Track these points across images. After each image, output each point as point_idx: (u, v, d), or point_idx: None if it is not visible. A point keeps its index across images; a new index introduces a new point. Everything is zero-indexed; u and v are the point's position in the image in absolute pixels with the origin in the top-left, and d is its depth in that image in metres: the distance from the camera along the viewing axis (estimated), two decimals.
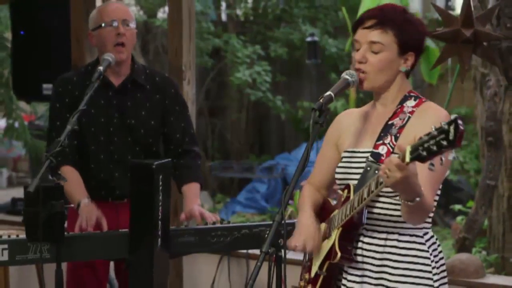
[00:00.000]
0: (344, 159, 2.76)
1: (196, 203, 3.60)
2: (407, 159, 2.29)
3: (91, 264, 3.72)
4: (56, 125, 3.67)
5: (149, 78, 3.75)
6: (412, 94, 2.73)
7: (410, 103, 2.69)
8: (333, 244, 2.65)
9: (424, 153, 2.23)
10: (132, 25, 3.69)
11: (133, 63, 3.74)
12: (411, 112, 2.67)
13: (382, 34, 2.62)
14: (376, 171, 2.61)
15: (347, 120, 2.82)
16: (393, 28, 2.62)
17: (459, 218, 7.10)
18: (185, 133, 3.78)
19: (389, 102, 2.71)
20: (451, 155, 2.21)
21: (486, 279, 4.26)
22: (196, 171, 3.75)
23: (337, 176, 2.77)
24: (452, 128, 2.17)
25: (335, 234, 2.66)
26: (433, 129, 2.22)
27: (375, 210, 2.64)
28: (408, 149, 2.30)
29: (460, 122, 2.18)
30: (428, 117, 2.62)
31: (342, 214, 2.65)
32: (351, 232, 2.66)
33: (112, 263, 3.92)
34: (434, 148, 2.20)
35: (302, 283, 2.83)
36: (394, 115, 2.69)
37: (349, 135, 2.78)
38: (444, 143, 2.18)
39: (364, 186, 2.54)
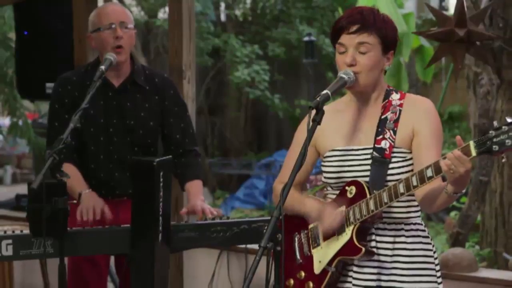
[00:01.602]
0: (333, 158, 2.79)
1: (200, 199, 3.63)
2: (474, 153, 2.37)
3: (92, 259, 3.74)
4: (54, 125, 3.69)
5: (149, 79, 3.76)
6: (391, 88, 2.83)
7: (395, 96, 2.78)
8: (351, 241, 2.68)
9: (496, 147, 2.31)
10: (130, 26, 3.68)
11: (133, 64, 3.74)
12: (400, 105, 2.75)
13: (367, 37, 2.70)
14: (383, 166, 2.67)
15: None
16: (375, 30, 2.71)
17: (452, 213, 7.18)
18: (184, 133, 3.79)
19: (373, 99, 2.78)
20: None
21: (479, 273, 4.28)
22: (197, 169, 3.78)
23: (329, 175, 2.79)
24: None
25: (350, 230, 2.69)
26: (499, 125, 2.31)
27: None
28: (473, 144, 2.37)
29: None
30: (419, 109, 2.73)
31: (361, 210, 2.67)
32: (368, 227, 2.71)
33: (112, 258, 3.95)
34: (509, 142, 2.29)
35: (293, 281, 2.84)
36: (385, 109, 2.76)
37: (330, 133, 2.81)
38: None
39: (398, 182, 2.58)
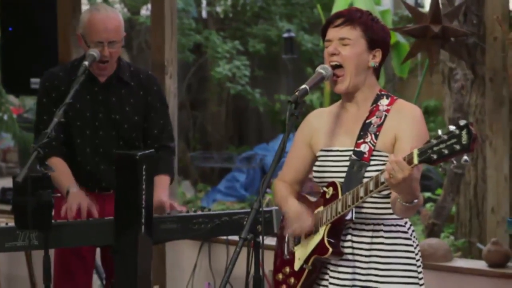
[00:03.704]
0: (320, 158, 2.83)
1: (165, 195, 3.65)
2: (415, 161, 2.37)
3: (78, 252, 3.79)
4: (43, 119, 3.72)
5: (134, 76, 3.81)
6: (383, 93, 2.82)
7: (384, 101, 2.78)
8: (322, 240, 2.71)
9: (435, 156, 2.31)
10: (119, 38, 3.68)
11: (118, 60, 3.79)
12: (387, 111, 2.75)
13: (351, 30, 2.74)
14: (360, 169, 2.69)
15: (317, 120, 2.88)
16: (360, 24, 2.74)
17: (428, 205, 7.27)
18: (163, 129, 3.84)
19: (361, 101, 2.79)
20: (463, 158, 2.30)
21: (454, 263, 4.34)
22: (168, 165, 3.80)
23: (315, 174, 2.84)
24: (464, 133, 2.24)
25: (323, 230, 2.72)
26: (441, 133, 2.29)
27: (363, 205, 2.71)
28: (416, 152, 2.37)
29: (471, 127, 2.25)
30: (404, 115, 2.72)
31: (331, 211, 2.70)
32: (339, 228, 2.73)
33: (98, 251, 3.98)
34: (446, 151, 2.28)
35: (281, 276, 2.88)
36: (371, 114, 2.76)
37: (322, 135, 2.84)
38: (457, 147, 2.26)
39: (360, 186, 2.61)
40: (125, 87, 3.80)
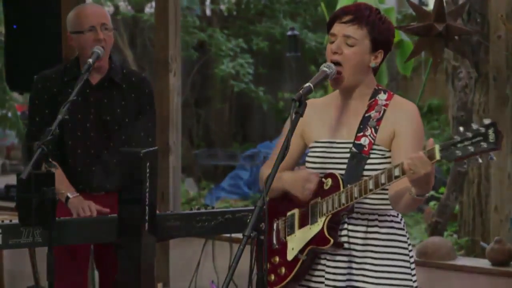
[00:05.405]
0: (317, 149, 2.84)
1: None
2: (437, 157, 2.41)
3: (71, 252, 3.77)
4: (35, 120, 3.75)
5: (126, 78, 3.81)
6: (380, 88, 2.85)
7: (382, 96, 2.80)
8: (322, 231, 2.72)
9: (459, 153, 2.35)
10: (110, 26, 3.72)
11: (110, 62, 3.78)
12: (386, 105, 2.77)
13: (357, 29, 2.74)
14: (360, 162, 2.71)
15: (309, 111, 2.78)
16: (367, 25, 2.74)
17: (431, 203, 7.27)
18: (149, 132, 3.82)
19: (359, 96, 2.81)
20: (489, 156, 2.34)
21: (457, 261, 4.35)
22: None
23: (311, 165, 2.83)
24: (491, 131, 2.30)
25: (322, 221, 2.73)
26: (463, 131, 2.34)
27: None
28: (438, 148, 2.40)
29: (497, 126, 2.30)
30: (403, 112, 2.76)
31: (333, 202, 2.71)
32: (338, 219, 2.74)
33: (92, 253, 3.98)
34: (472, 149, 2.32)
35: (268, 265, 2.83)
36: (370, 108, 2.78)
37: (316, 126, 2.85)
38: (485, 145, 2.30)
39: (368, 178, 2.62)
40: (117, 89, 3.80)
